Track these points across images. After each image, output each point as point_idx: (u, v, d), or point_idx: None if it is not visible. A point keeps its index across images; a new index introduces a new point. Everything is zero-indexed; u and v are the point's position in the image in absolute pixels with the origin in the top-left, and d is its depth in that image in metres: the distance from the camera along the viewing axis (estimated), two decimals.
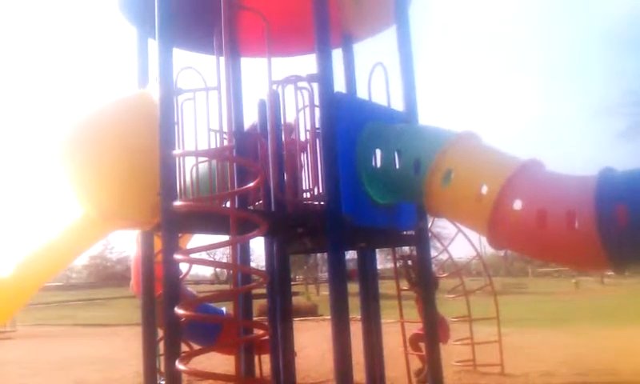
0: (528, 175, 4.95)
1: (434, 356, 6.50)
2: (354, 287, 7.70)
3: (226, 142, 5.95)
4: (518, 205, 4.80)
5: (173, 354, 4.73)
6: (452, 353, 9.71)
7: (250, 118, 7.34)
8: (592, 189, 4.45)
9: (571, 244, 4.56)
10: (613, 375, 8.73)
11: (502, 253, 52.00)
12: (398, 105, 6.74)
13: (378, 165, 5.85)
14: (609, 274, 43.78)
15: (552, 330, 15.20)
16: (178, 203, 4.73)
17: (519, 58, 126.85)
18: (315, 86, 5.94)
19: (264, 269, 6.72)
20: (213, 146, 6.27)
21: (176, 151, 5.26)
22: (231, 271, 6.02)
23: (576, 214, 4.45)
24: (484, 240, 5.29)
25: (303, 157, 6.59)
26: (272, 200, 6.04)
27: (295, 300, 20.81)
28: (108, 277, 63.60)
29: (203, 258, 5.40)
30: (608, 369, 9.19)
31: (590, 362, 9.81)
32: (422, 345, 7.39)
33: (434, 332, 6.59)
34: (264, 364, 8.76)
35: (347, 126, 5.84)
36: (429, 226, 7.41)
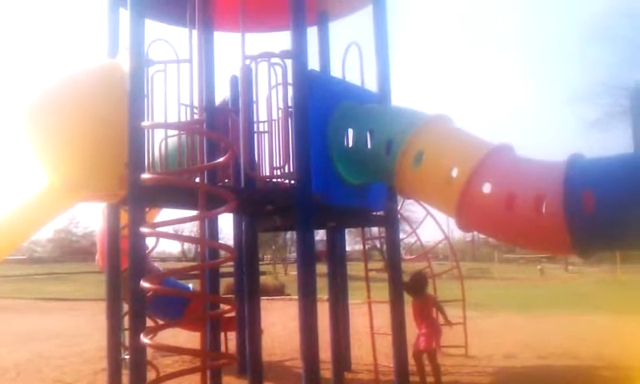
0: (498, 159, 4.98)
1: (399, 338, 6.56)
2: (322, 268, 7.71)
3: (196, 117, 5.88)
4: (487, 188, 4.83)
5: (137, 327, 4.68)
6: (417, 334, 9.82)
7: (222, 94, 7.26)
8: (560, 174, 4.49)
9: (538, 228, 4.61)
10: (573, 359, 8.92)
11: (468, 237, 52.65)
12: (372, 85, 6.73)
13: (350, 144, 5.84)
14: (573, 261, 44.65)
15: (516, 314, 15.44)
16: (145, 176, 4.65)
17: (497, 45, 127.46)
18: (289, 63, 5.89)
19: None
20: (183, 119, 6.18)
21: (145, 123, 5.17)
22: (199, 248, 5.96)
23: (544, 199, 4.50)
24: (452, 224, 5.33)
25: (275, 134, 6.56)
26: (242, 176, 5.99)
27: (263, 279, 20.79)
28: (73, 251, 62.79)
29: (170, 232, 5.33)
30: (569, 353, 9.39)
31: (552, 346, 10.00)
32: (425, 358, 7.23)
33: (400, 314, 6.63)
34: (230, 341, 8.76)
35: (320, 105, 5.81)
36: (398, 207, 7.44)
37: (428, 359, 7.13)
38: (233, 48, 6.42)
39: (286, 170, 6.09)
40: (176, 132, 6.22)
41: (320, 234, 12.18)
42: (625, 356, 8.44)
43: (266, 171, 6.62)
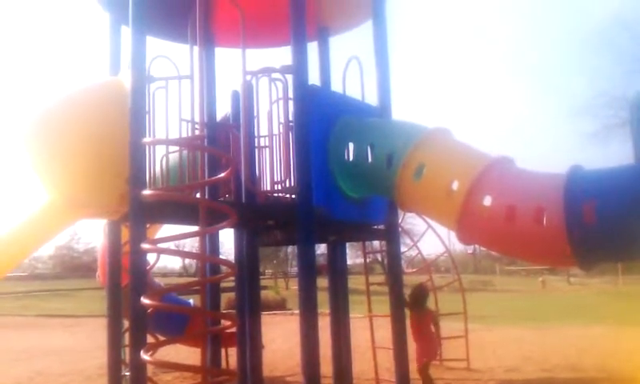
0: (498, 172, 4.99)
1: (400, 352, 6.53)
2: (323, 282, 7.69)
3: (197, 132, 5.89)
4: (487, 201, 4.84)
5: (138, 344, 4.67)
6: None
7: (223, 109, 7.27)
8: (561, 186, 4.50)
9: (539, 240, 4.61)
10: (576, 372, 8.89)
11: (470, 249, 52.51)
12: (373, 99, 6.75)
13: (351, 158, 5.85)
14: (575, 273, 44.57)
15: (518, 327, 15.41)
16: (146, 192, 4.66)
17: (497, 57, 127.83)
18: (290, 78, 5.91)
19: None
20: (184, 135, 6.19)
21: (146, 139, 5.18)
22: (199, 263, 5.95)
23: (544, 211, 4.50)
24: (453, 237, 5.33)
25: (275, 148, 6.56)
26: (242, 191, 5.99)
27: (264, 294, 20.70)
28: (74, 268, 62.59)
29: (171, 248, 5.32)
30: (572, 365, 9.36)
31: (555, 358, 9.97)
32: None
33: (401, 328, 6.61)
34: (231, 357, 8.72)
35: (320, 119, 5.83)
36: (399, 220, 7.44)
37: (418, 373, 7.11)
38: (233, 64, 6.45)
39: (287, 185, 6.10)
40: (177, 148, 6.22)
41: (321, 248, 12.18)
42: (628, 367, 8.41)
43: (266, 186, 6.61)
